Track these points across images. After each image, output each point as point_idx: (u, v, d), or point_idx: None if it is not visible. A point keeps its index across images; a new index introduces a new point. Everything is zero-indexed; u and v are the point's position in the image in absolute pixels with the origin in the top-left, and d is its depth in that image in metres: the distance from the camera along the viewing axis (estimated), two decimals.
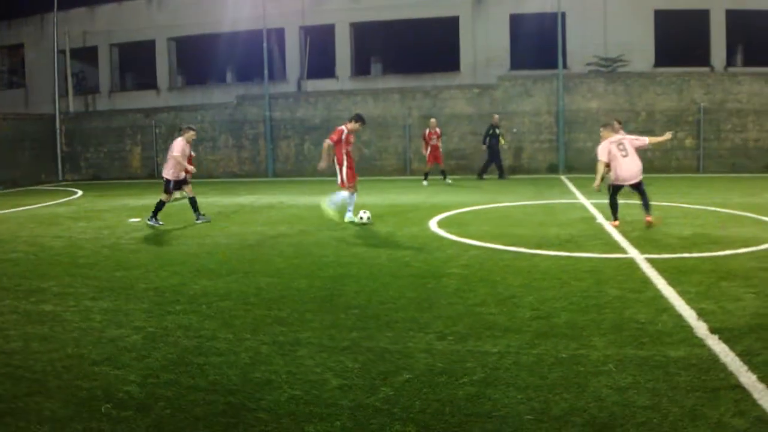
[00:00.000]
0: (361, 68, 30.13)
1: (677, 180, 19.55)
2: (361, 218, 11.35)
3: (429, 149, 19.81)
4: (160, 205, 12.12)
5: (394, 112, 24.70)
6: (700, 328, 5.31)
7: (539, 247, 8.94)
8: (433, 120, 20.57)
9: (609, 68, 24.21)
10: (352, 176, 11.52)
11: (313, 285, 7.16)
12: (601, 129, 11.00)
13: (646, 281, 6.91)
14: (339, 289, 6.90)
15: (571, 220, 11.55)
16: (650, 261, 7.86)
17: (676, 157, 22.98)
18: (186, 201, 12.89)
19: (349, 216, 11.56)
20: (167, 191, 12.23)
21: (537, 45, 25.00)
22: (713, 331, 5.23)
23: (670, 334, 5.20)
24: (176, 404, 4.09)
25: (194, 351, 5.08)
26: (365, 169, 22.58)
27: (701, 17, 26.01)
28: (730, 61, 26.58)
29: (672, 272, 7.23)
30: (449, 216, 12.34)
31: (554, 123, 23.39)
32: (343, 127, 11.53)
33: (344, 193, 11.52)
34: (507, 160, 22.56)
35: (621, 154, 10.45)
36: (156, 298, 6.78)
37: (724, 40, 26.01)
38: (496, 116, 22.25)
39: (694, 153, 23.07)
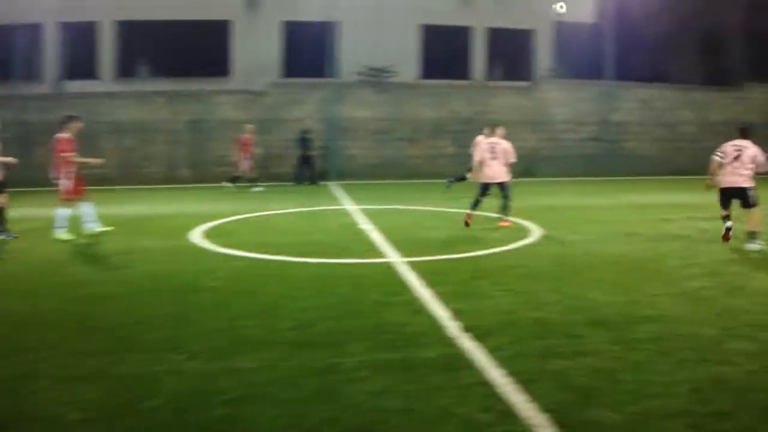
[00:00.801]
0: (126, 70, 28.37)
1: (439, 186, 20.62)
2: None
3: (248, 156, 19.59)
4: None
5: (160, 116, 23.53)
6: (453, 328, 5.49)
7: (302, 255, 8.81)
8: (251, 126, 20.25)
9: (377, 78, 25.01)
10: (74, 189, 10.34)
11: (62, 307, 6.41)
12: (487, 130, 12.49)
13: (404, 284, 7.08)
14: (90, 311, 6.22)
15: (336, 227, 11.66)
16: (410, 264, 8.07)
17: (439, 163, 24.30)
18: None
19: (60, 231, 10.18)
20: None
21: (309, 53, 25.14)
22: (465, 329, 5.42)
23: (425, 336, 5.31)
24: None
25: None
26: (127, 177, 21.26)
27: (463, 33, 27.88)
28: (489, 75, 28.72)
29: (430, 274, 7.47)
30: (214, 226, 11.81)
31: (324, 131, 23.69)
32: (67, 135, 10.30)
33: (66, 210, 10.27)
34: (280, 168, 22.40)
35: (490, 156, 11.61)
36: None
37: (483, 55, 28.08)
38: (309, 122, 22.52)
39: (454, 160, 24.53)
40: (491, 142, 11.98)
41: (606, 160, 26.93)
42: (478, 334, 5.31)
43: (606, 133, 26.96)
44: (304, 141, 21.83)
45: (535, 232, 10.77)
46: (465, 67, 27.95)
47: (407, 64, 26.53)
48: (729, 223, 9.83)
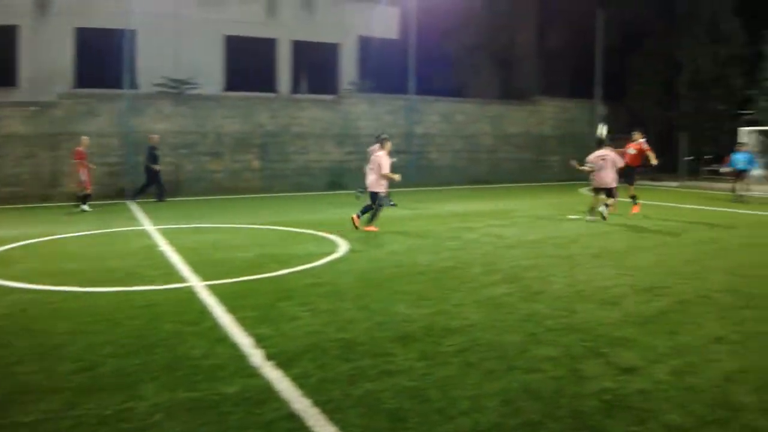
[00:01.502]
0: None
1: (246, 201, 20.17)
2: None
3: (86, 170, 17.63)
4: None
5: None
6: (256, 356, 5.19)
7: (93, 283, 8.00)
8: (85, 138, 18.35)
9: (178, 90, 23.97)
10: None
11: None
12: (381, 143, 13.42)
13: (204, 311, 6.63)
14: None
15: (134, 250, 10.66)
16: (211, 288, 7.62)
17: (244, 178, 23.77)
18: None
19: None
20: None
21: (105, 62, 23.56)
22: (269, 357, 5.15)
23: (225, 368, 4.95)
24: None
25: None
26: None
27: (269, 46, 27.53)
28: (295, 88, 28.58)
29: (231, 298, 7.09)
30: None
31: (121, 145, 22.28)
32: None
33: None
34: (72, 185, 20.68)
35: (369, 167, 13.78)
36: None
37: (289, 68, 27.90)
38: (156, 136, 20.93)
39: (261, 174, 24.15)
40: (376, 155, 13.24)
41: (411, 172, 27.79)
42: (283, 361, 5.06)
43: (410, 146, 27.82)
44: (153, 156, 20.28)
45: (342, 247, 10.70)
46: (271, 80, 27.63)
47: (211, 75, 25.74)
48: (602, 208, 14.10)
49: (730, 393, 4.47)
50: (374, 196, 12.94)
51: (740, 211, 16.86)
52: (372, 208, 12.93)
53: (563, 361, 5.11)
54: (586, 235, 12.28)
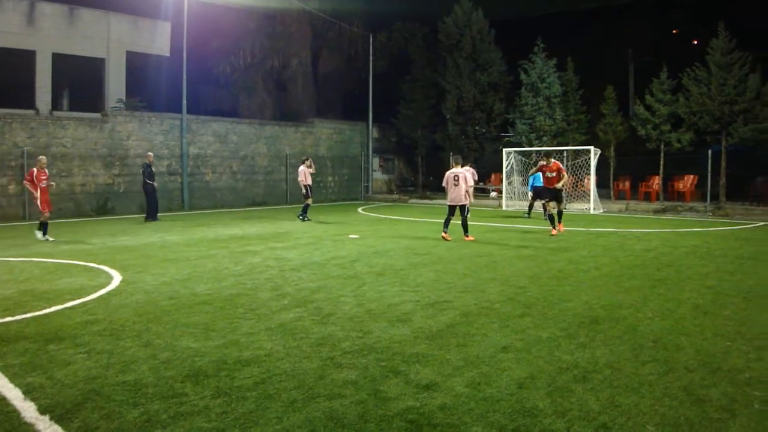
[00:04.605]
0: None
1: (1, 229, 18.11)
2: None
3: (39, 192, 15.19)
4: None
5: None
6: (29, 410, 4.53)
7: None
8: (42, 158, 16.06)
9: None
10: None
11: None
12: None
13: None
14: None
15: None
16: None
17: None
18: None
19: None
20: None
21: None
22: (43, 410, 4.52)
23: None
24: None
25: None
26: None
27: (28, 58, 25.07)
28: (55, 105, 26.32)
29: None
30: None
31: None
32: None
33: None
34: None
35: None
36: None
37: (49, 83, 25.60)
38: (150, 154, 21.24)
39: (18, 199, 21.91)
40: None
41: (185, 194, 26.84)
42: (61, 413, 4.46)
43: (184, 166, 26.84)
44: (150, 173, 20.34)
45: (115, 278, 9.91)
46: (29, 96, 25.18)
47: None
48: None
49: (524, 399, 4.70)
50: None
51: (518, 226, 18.26)
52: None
53: (364, 383, 5.07)
54: (367, 254, 12.53)
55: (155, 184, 20.86)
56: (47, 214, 15.44)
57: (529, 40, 30.26)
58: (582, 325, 6.83)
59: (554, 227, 16.22)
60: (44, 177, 15.51)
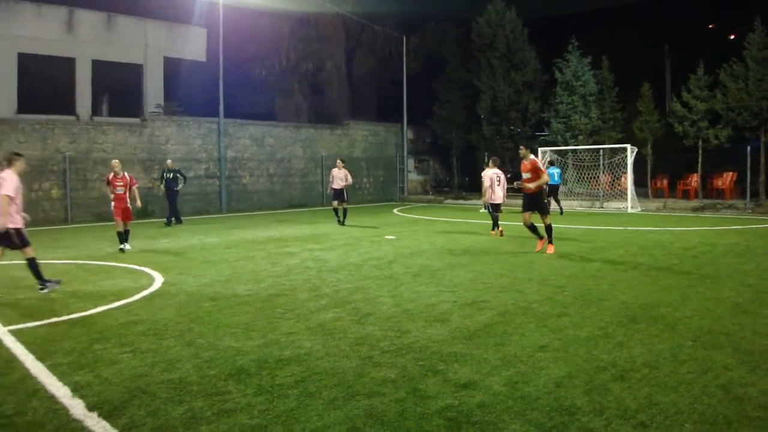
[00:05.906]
0: None
1: (46, 233, 18.55)
2: None
3: (113, 198, 14.30)
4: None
5: None
6: (77, 407, 4.68)
7: None
8: (115, 162, 14.96)
9: None
10: None
11: None
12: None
13: (12, 360, 5.91)
14: None
15: None
16: (15, 333, 6.84)
17: (42, 208, 21.94)
18: None
19: None
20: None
21: None
22: (92, 407, 4.66)
23: (44, 425, 4.39)
24: None
25: None
26: None
27: (67, 65, 25.68)
28: (95, 111, 26.89)
29: (41, 343, 6.40)
30: None
31: None
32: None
33: None
34: None
35: None
36: None
37: (89, 89, 26.18)
38: (170, 161, 21.88)
39: (61, 203, 22.44)
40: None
41: (222, 197, 27.19)
42: (108, 410, 4.60)
43: (222, 170, 27.21)
44: (176, 178, 21.15)
45: (156, 280, 10.13)
46: (70, 102, 25.79)
47: (2, 96, 23.59)
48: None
49: (562, 398, 4.71)
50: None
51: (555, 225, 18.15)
52: None
53: (402, 382, 5.12)
54: (404, 255, 12.59)
55: (178, 188, 21.18)
56: (119, 224, 14.10)
57: (563, 39, 30.04)
58: (620, 324, 6.80)
59: (539, 239, 12.91)
60: (120, 183, 14.21)
